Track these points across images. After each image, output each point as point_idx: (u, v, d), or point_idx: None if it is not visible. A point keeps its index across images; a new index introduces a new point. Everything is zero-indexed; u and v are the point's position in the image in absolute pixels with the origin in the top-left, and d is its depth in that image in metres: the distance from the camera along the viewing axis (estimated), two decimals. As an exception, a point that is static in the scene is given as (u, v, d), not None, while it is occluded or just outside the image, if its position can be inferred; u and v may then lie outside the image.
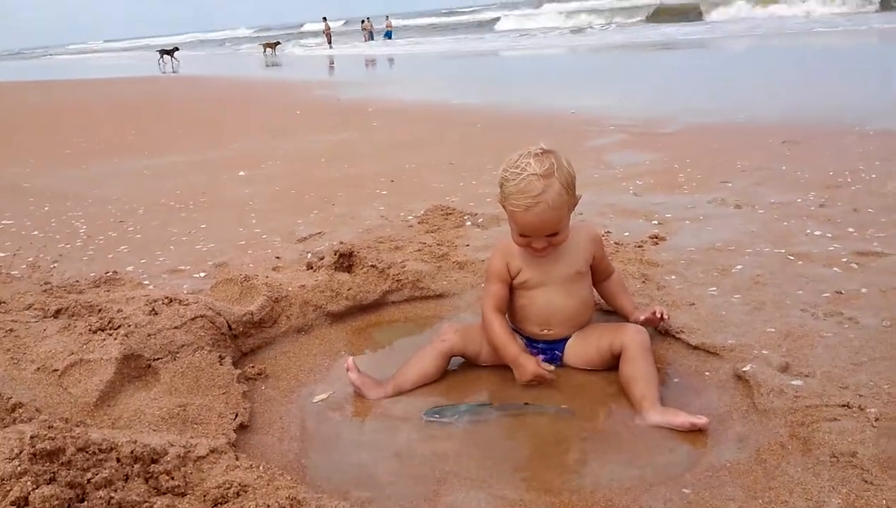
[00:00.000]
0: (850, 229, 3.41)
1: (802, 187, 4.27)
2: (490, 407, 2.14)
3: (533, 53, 22.08)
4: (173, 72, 25.65)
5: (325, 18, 41.26)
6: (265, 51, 35.62)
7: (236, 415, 2.05)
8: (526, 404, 2.15)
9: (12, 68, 42.55)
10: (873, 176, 4.38)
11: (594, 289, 2.51)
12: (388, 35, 42.41)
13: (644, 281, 2.90)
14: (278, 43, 37.09)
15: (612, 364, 2.27)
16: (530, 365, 2.22)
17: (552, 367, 2.26)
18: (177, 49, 32.14)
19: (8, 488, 1.37)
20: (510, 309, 2.43)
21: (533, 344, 2.38)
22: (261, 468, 1.66)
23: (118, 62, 41.42)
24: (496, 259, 2.38)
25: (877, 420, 1.76)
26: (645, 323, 2.42)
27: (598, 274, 2.48)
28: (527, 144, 2.24)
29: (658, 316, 2.38)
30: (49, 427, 1.58)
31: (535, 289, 2.34)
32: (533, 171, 2.12)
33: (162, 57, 30.85)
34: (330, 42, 37.99)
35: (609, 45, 22.73)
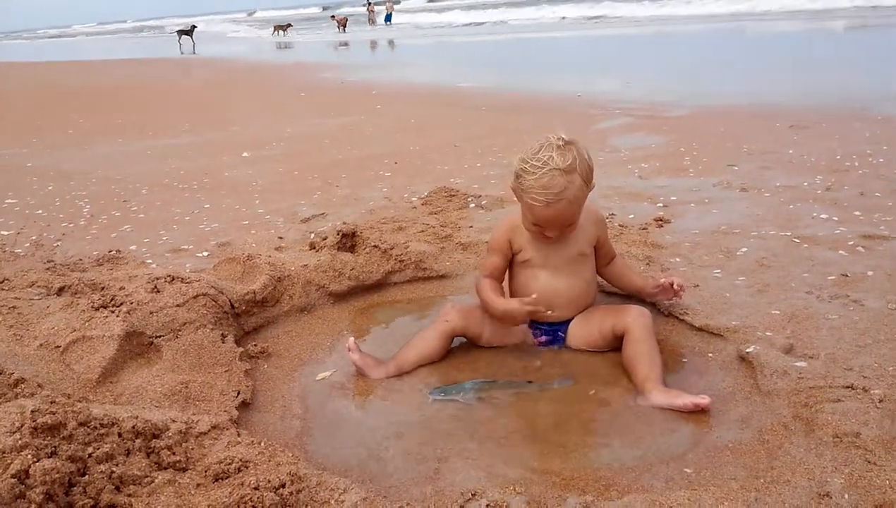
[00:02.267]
0: (857, 212, 3.38)
1: (809, 171, 4.24)
2: (494, 383, 2.14)
3: (537, 36, 21.93)
4: (192, 53, 25.54)
5: (333, 17, 41.42)
6: (275, 32, 35.91)
7: (238, 393, 2.05)
8: (529, 382, 2.15)
9: (8, 48, 42.46)
10: (880, 160, 4.35)
11: (598, 273, 2.50)
12: (388, 18, 42.32)
13: (648, 263, 2.89)
14: (290, 25, 37.30)
15: (615, 345, 2.26)
16: (516, 307, 2.21)
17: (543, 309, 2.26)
18: (195, 27, 32.05)
19: (9, 461, 1.37)
20: (512, 291, 2.42)
21: (536, 326, 2.37)
22: (262, 444, 1.66)
23: (111, 45, 41.29)
24: (500, 232, 2.36)
25: (881, 401, 1.75)
26: (661, 293, 2.40)
27: (602, 257, 2.46)
28: (544, 130, 2.17)
29: (676, 287, 2.37)
30: (51, 402, 1.58)
31: (538, 269, 2.33)
32: (556, 165, 2.07)
33: (180, 37, 30.81)
34: (344, 27, 38.10)
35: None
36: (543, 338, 2.35)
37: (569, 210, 2.14)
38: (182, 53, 25.29)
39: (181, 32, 31.42)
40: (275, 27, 36.96)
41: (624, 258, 2.59)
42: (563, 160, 2.08)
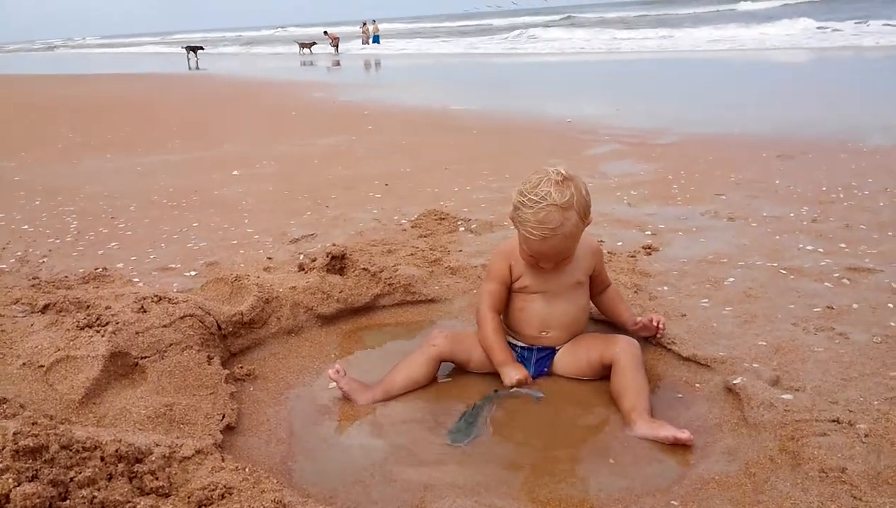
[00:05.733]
0: (842, 245, 3.42)
1: (795, 202, 4.28)
2: (482, 407, 2.14)
3: (529, 61, 22.13)
4: (197, 69, 25.76)
5: (326, 32, 41.74)
6: (301, 50, 36.26)
7: (223, 416, 2.03)
8: (496, 391, 2.18)
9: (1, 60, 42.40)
10: (865, 192, 4.40)
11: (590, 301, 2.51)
12: (376, 39, 42.71)
13: (636, 292, 2.90)
14: (314, 43, 37.46)
15: (602, 374, 2.26)
16: (516, 374, 2.23)
17: (531, 381, 2.29)
18: (201, 48, 32.48)
19: (-11, 485, 1.35)
20: (508, 312, 2.42)
21: (527, 351, 2.37)
22: (247, 470, 1.64)
23: (98, 59, 41.33)
24: (499, 260, 2.37)
25: (866, 436, 1.76)
26: (641, 330, 2.41)
27: (596, 285, 2.47)
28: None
29: (655, 324, 2.38)
30: (33, 424, 1.56)
31: (535, 295, 2.34)
32: (553, 201, 2.08)
33: (188, 53, 31.19)
34: (337, 47, 38.41)
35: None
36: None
37: (564, 244, 2.15)
38: (190, 69, 25.47)
39: (189, 49, 31.77)
40: (300, 45, 37.18)
41: (617, 288, 2.58)
42: (561, 196, 2.09)
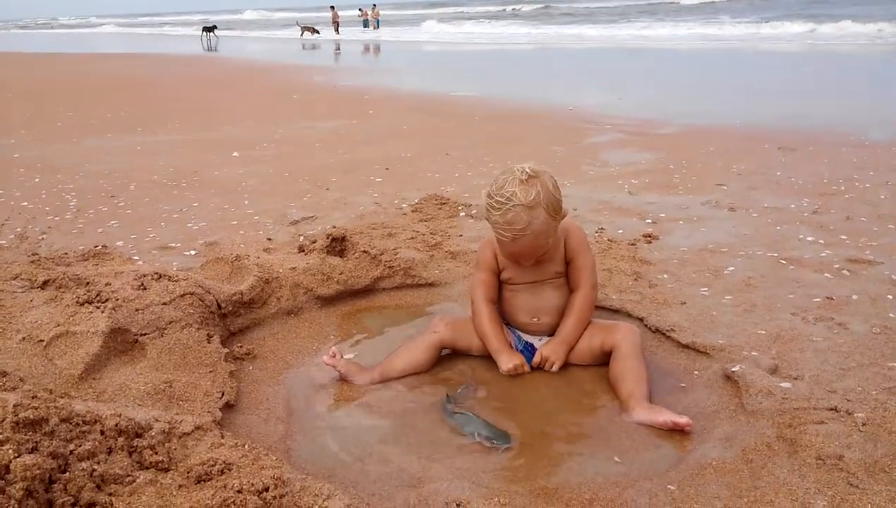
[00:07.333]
0: (843, 236, 3.42)
1: (796, 193, 4.28)
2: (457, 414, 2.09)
3: (532, 50, 22.03)
4: (214, 49, 25.78)
5: (333, 7, 41.17)
6: (302, 34, 35.69)
7: (223, 394, 2.03)
8: (448, 395, 2.16)
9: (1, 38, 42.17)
10: (867, 185, 4.40)
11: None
12: (378, 23, 42.49)
13: (636, 279, 2.90)
14: (317, 31, 36.82)
15: (602, 360, 2.27)
16: (510, 360, 2.25)
17: (528, 369, 2.29)
18: (215, 27, 32.50)
19: (-11, 455, 1.35)
20: (500, 301, 2.42)
21: (524, 340, 2.37)
22: (246, 447, 1.65)
23: (103, 39, 41.09)
24: (486, 249, 2.37)
25: (864, 424, 1.77)
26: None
27: (569, 275, 2.35)
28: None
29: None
30: (33, 397, 1.56)
31: (520, 285, 2.34)
32: (518, 201, 2.06)
33: (204, 33, 31.18)
34: (337, 29, 38.03)
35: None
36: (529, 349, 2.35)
37: (536, 243, 2.13)
38: (205, 49, 25.46)
39: (205, 29, 31.75)
40: (302, 28, 36.38)
41: (587, 296, 2.32)
42: (526, 195, 2.06)
